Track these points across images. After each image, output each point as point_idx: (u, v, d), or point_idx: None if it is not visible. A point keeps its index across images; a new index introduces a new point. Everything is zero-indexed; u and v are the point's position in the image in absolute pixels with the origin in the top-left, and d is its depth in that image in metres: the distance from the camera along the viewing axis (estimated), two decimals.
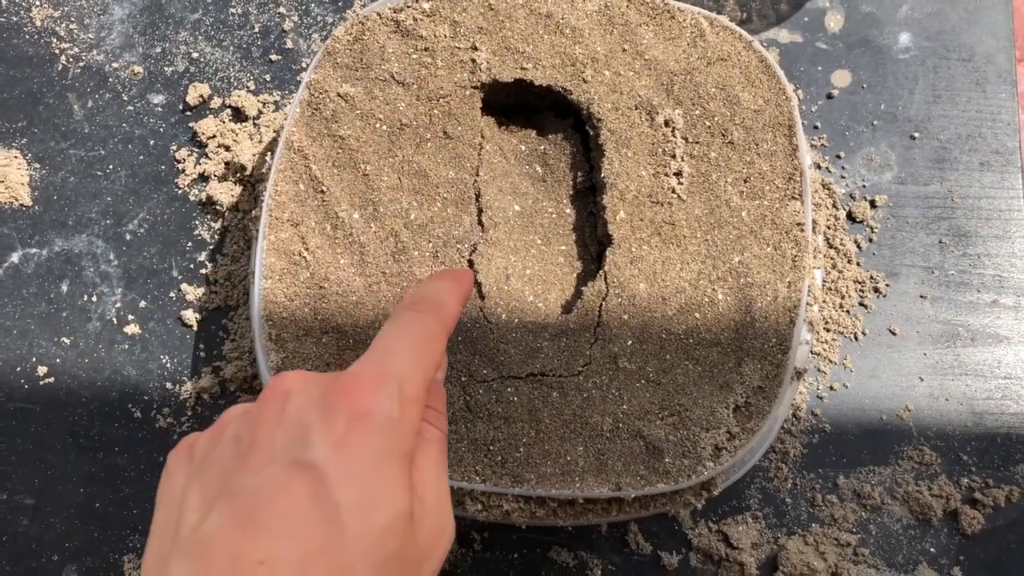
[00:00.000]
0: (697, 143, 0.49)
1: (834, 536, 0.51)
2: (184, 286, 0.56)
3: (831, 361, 0.54)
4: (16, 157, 0.59)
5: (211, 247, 0.57)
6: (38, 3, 0.62)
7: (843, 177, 0.58)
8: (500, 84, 0.50)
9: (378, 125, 0.49)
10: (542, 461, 0.44)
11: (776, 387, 0.45)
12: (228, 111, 0.59)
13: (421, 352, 0.33)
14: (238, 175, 0.58)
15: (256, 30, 0.61)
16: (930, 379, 0.54)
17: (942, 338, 0.55)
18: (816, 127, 0.58)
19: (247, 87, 0.60)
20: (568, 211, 0.51)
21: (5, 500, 0.53)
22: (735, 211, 0.48)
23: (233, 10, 0.62)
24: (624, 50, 0.50)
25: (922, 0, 0.61)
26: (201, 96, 0.59)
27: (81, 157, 0.59)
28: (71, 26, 0.61)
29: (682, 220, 0.48)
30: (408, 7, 0.51)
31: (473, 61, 0.50)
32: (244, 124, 0.59)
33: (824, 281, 0.55)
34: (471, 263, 0.47)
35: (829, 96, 0.59)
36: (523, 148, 0.52)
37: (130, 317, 0.56)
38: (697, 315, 0.46)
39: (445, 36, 0.50)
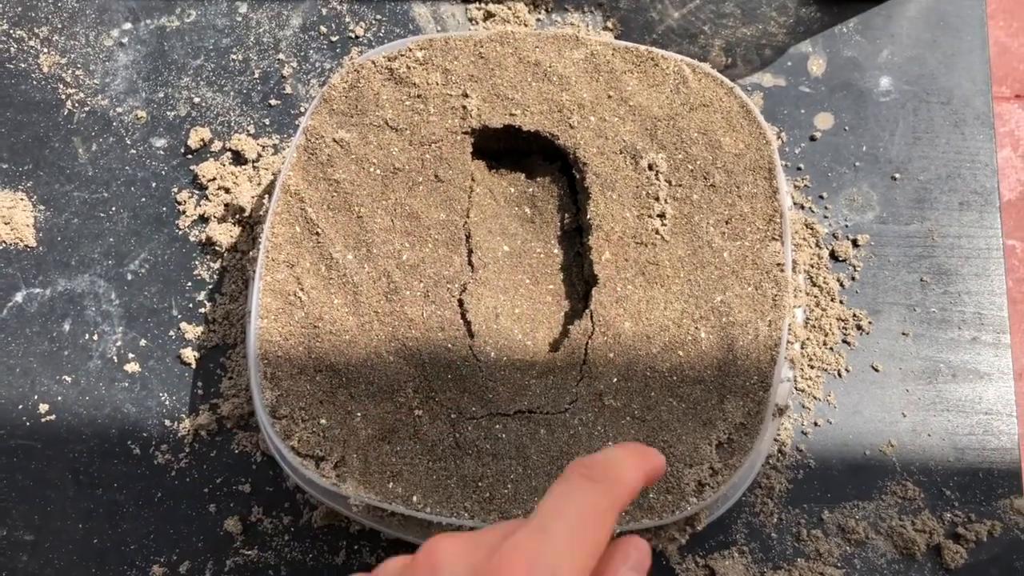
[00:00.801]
0: (680, 186, 0.50)
1: (819, 570, 0.52)
2: (183, 325, 0.58)
3: (815, 397, 0.55)
4: (22, 199, 0.61)
5: (210, 287, 0.59)
6: (45, 50, 0.64)
7: (826, 217, 0.59)
8: (490, 130, 0.51)
9: (372, 169, 0.51)
10: (529, 497, 0.45)
11: (758, 424, 0.47)
12: (228, 154, 0.61)
13: (583, 533, 0.29)
14: (237, 216, 0.59)
15: (256, 76, 0.63)
16: (912, 415, 0.55)
17: (924, 374, 0.56)
18: (799, 168, 0.60)
19: (247, 131, 0.62)
20: (556, 251, 0.53)
21: (5, 536, 0.54)
22: (717, 252, 0.49)
23: (234, 56, 0.64)
24: (609, 96, 0.52)
25: (902, 45, 0.62)
26: (202, 140, 0.61)
27: (85, 199, 0.61)
28: (77, 72, 0.63)
29: (665, 260, 0.49)
30: (402, 55, 0.52)
31: (464, 108, 0.51)
32: (244, 167, 0.61)
33: (807, 319, 0.56)
34: (461, 302, 0.49)
35: (812, 138, 0.61)
36: (512, 191, 0.54)
37: (130, 355, 0.57)
38: (680, 353, 0.48)
39: (437, 83, 0.52)
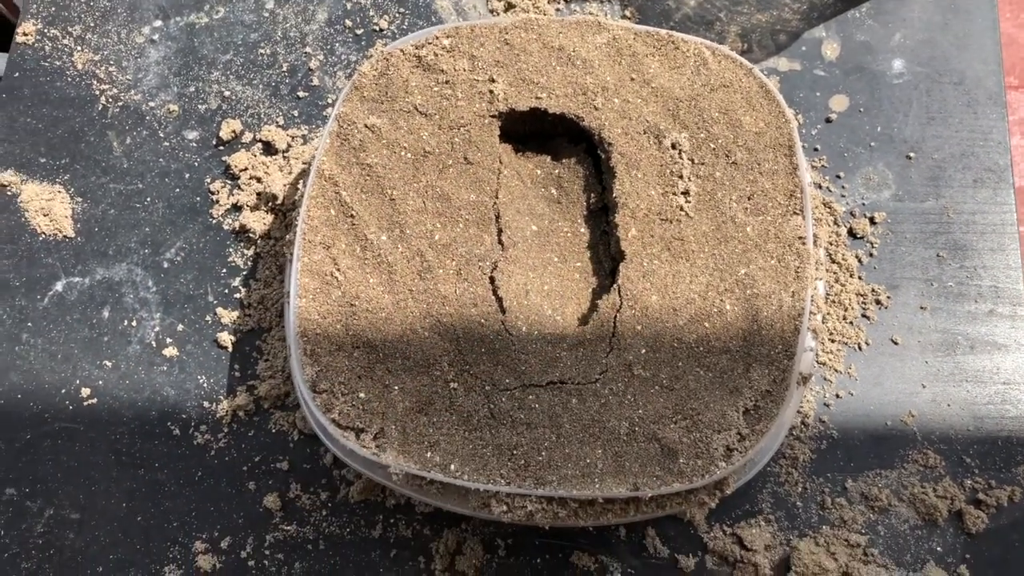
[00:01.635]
0: (703, 164, 0.52)
1: (844, 537, 0.53)
2: (219, 310, 0.60)
3: (836, 370, 0.57)
4: (60, 192, 0.62)
5: (244, 273, 0.60)
6: (79, 48, 0.66)
7: (843, 196, 0.61)
8: (516, 113, 0.53)
9: (403, 153, 0.52)
10: (563, 464, 0.47)
11: (783, 391, 0.48)
12: (259, 145, 0.63)
13: None
14: (269, 204, 0.61)
15: (284, 69, 0.65)
16: (932, 386, 0.56)
17: (942, 347, 0.57)
18: (816, 149, 0.62)
19: (276, 122, 0.64)
20: (582, 230, 0.54)
21: (52, 515, 0.56)
22: (740, 226, 0.51)
23: (262, 51, 0.65)
24: (632, 79, 0.53)
25: (914, 28, 0.64)
26: (233, 131, 0.63)
27: (120, 191, 0.63)
28: (110, 69, 0.65)
29: (690, 236, 0.51)
30: (429, 43, 0.54)
31: (491, 92, 0.53)
32: (274, 157, 0.62)
33: (827, 294, 0.58)
34: (492, 280, 0.50)
35: (828, 120, 0.62)
36: (539, 172, 0.55)
37: (168, 340, 0.59)
38: (706, 324, 0.49)
39: (464, 69, 0.54)
